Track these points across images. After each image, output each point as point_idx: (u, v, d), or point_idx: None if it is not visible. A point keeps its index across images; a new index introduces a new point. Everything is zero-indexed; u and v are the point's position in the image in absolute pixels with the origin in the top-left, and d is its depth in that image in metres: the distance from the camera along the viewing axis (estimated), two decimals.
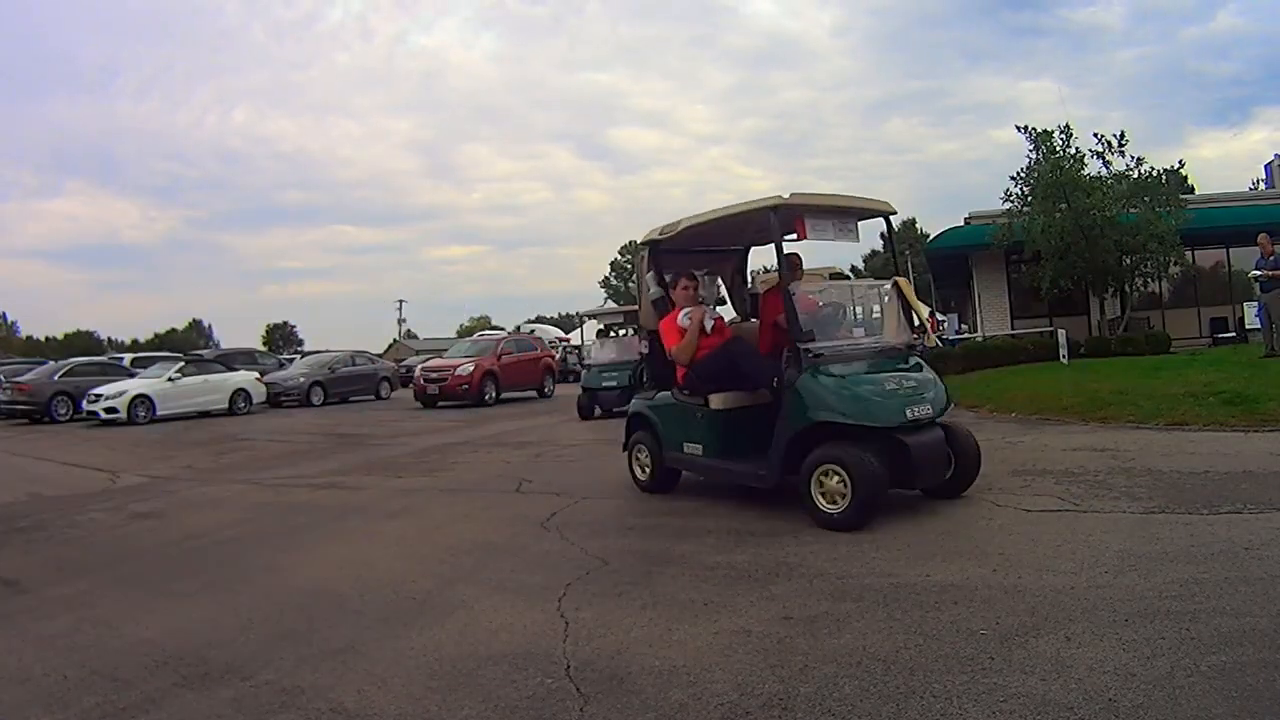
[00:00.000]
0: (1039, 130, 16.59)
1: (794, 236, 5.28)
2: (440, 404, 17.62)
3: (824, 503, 4.71)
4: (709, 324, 5.78)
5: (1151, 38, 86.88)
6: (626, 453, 6.58)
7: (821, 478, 4.72)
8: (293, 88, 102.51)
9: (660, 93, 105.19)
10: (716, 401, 5.57)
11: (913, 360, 5.39)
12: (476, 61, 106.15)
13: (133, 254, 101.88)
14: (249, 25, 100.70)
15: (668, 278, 6.07)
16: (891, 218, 5.69)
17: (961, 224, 20.89)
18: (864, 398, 4.81)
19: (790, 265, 5.39)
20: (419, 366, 20.21)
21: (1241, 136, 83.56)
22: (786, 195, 5.05)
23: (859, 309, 6.03)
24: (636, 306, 6.86)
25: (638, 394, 6.67)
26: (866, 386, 4.91)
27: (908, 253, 56.65)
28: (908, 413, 4.85)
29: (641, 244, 6.36)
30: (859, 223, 5.56)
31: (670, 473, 6.18)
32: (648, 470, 6.30)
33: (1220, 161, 78.87)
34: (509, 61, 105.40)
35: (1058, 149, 16.38)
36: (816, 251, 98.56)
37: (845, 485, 4.59)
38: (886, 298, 5.71)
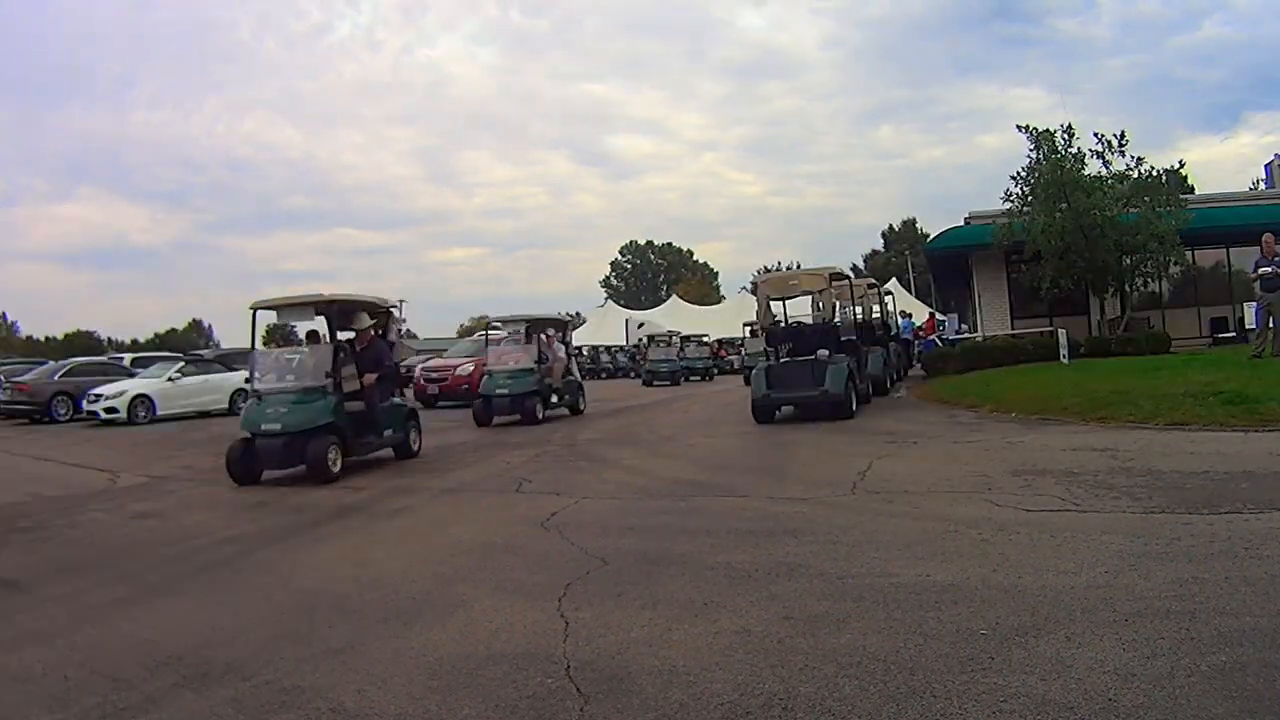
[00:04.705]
0: (1040, 130, 16.59)
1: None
2: (440, 404, 17.62)
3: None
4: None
5: (1140, 46, 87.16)
6: None
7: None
8: (301, 97, 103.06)
9: (654, 102, 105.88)
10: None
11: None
12: (478, 73, 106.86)
13: (139, 257, 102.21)
14: (261, 37, 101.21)
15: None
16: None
17: (961, 224, 20.88)
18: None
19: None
20: (419, 366, 20.20)
21: (1231, 140, 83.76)
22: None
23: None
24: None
25: None
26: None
27: (908, 253, 56.74)
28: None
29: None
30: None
31: None
32: None
33: (1212, 165, 78.96)
34: (509, 73, 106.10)
35: (1059, 149, 16.37)
36: (815, 252, 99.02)
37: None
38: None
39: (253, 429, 8.16)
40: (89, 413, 16.56)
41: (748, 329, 24.74)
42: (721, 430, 10.53)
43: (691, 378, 26.10)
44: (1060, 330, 15.40)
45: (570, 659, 3.01)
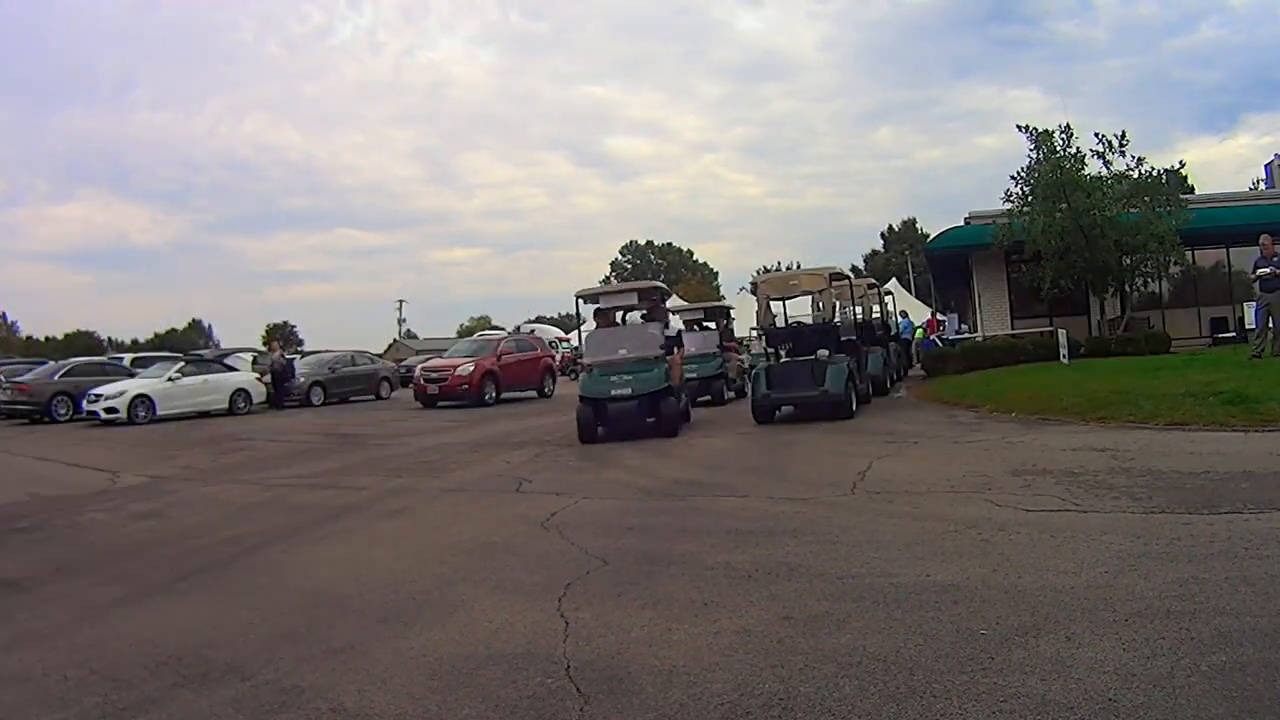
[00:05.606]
0: (1040, 130, 16.59)
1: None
2: (440, 404, 17.60)
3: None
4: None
5: (1138, 48, 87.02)
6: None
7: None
8: (302, 99, 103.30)
9: (654, 103, 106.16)
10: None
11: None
12: (478, 74, 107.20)
13: (139, 257, 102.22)
14: (263, 39, 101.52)
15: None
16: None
17: (961, 224, 20.87)
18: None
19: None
20: (419, 366, 20.19)
21: (1229, 141, 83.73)
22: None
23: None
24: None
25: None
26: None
27: (908, 253, 56.74)
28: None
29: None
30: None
31: None
32: None
33: (1210, 166, 78.89)
34: (509, 74, 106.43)
35: (1058, 149, 16.37)
36: (815, 252, 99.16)
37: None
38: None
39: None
40: (89, 413, 16.56)
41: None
42: (721, 430, 10.53)
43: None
44: (1060, 330, 15.39)
45: (570, 659, 3.01)
